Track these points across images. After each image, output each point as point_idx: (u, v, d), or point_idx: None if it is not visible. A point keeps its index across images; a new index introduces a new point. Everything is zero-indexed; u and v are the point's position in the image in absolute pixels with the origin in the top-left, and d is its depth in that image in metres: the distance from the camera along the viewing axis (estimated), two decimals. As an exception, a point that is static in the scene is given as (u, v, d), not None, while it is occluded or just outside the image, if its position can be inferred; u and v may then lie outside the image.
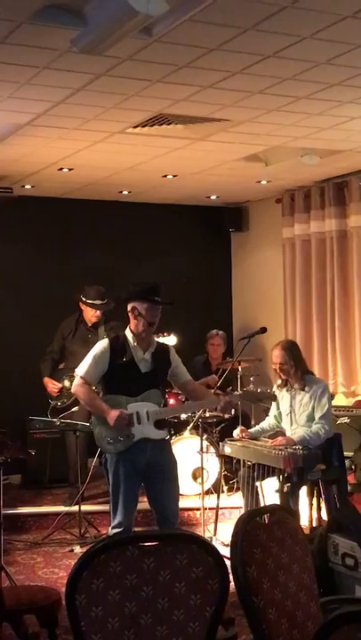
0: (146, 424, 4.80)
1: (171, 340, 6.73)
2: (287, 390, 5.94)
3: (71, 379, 7.20)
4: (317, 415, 5.75)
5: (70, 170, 7.28)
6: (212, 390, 6.59)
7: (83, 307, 7.33)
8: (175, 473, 4.98)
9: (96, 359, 4.87)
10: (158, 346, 5.00)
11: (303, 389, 5.84)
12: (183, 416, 7.19)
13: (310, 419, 5.79)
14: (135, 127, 5.91)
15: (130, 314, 4.88)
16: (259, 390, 5.91)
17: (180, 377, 5.05)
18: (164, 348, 5.03)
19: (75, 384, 5.00)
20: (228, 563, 2.58)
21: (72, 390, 5.16)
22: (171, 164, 7.17)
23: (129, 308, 4.89)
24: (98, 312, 7.27)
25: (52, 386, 7.26)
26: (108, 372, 4.87)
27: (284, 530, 2.82)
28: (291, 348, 5.95)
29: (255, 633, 2.58)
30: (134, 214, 8.98)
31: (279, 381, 6.01)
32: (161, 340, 6.35)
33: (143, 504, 5.04)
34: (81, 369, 4.93)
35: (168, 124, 5.88)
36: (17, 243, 8.47)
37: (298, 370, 5.87)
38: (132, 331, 4.90)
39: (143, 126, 5.89)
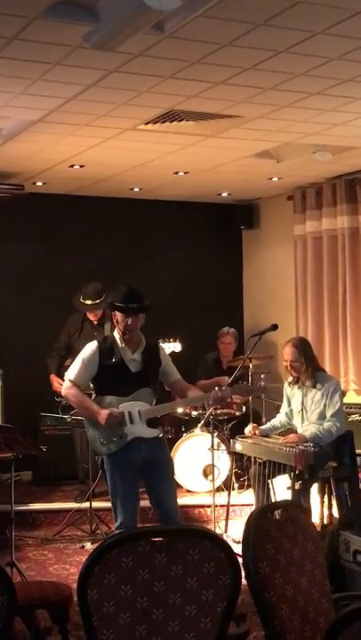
0: (138, 423, 4.81)
1: (176, 346, 6.72)
2: (299, 387, 5.93)
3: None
4: (329, 412, 5.74)
5: (81, 167, 7.28)
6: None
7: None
8: (171, 469, 5.06)
9: (85, 362, 4.92)
10: (148, 344, 4.99)
11: (315, 387, 5.83)
12: (186, 411, 7.19)
13: (322, 416, 5.78)
14: (147, 124, 5.90)
15: (113, 319, 4.98)
16: (249, 384, 5.91)
17: (169, 376, 5.06)
18: (153, 347, 5.04)
19: (64, 387, 5.04)
20: (238, 560, 2.58)
21: (62, 393, 5.19)
22: (182, 160, 7.16)
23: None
24: (93, 313, 7.24)
25: (58, 384, 7.26)
26: (98, 374, 4.91)
27: (296, 526, 2.81)
28: (302, 346, 5.93)
29: (267, 629, 2.57)
30: (145, 211, 8.97)
31: (290, 378, 6.01)
32: (166, 345, 6.37)
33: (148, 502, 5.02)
34: (71, 372, 4.99)
35: (179, 121, 5.87)
36: (28, 240, 8.48)
37: (309, 367, 5.85)
38: (120, 334, 4.93)
39: (155, 123, 5.88)
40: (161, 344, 5.39)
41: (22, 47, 4.35)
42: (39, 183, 7.95)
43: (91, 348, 4.96)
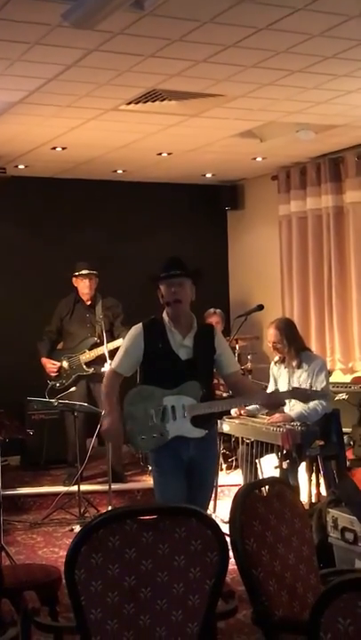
0: (181, 420, 4.23)
1: None
2: (285, 367, 5.94)
3: (70, 359, 7.21)
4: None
5: (64, 149, 7.23)
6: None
7: (75, 283, 7.30)
8: (211, 476, 4.50)
9: (128, 348, 4.37)
10: (201, 328, 4.40)
11: (300, 367, 5.84)
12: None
13: (308, 396, 5.78)
14: (128, 104, 5.86)
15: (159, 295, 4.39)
16: (309, 391, 5.43)
17: (223, 367, 4.42)
18: (207, 332, 4.43)
19: (105, 375, 4.61)
20: (227, 540, 2.58)
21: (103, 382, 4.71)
22: (165, 141, 7.12)
23: None
24: (88, 282, 7.21)
25: (51, 366, 7.23)
26: (144, 361, 4.33)
27: (283, 502, 2.82)
28: (285, 327, 5.93)
29: (255, 605, 2.58)
30: (129, 193, 8.93)
31: (277, 358, 6.02)
32: None
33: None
34: (114, 361, 4.48)
35: (162, 101, 5.83)
36: (11, 223, 8.42)
37: (292, 348, 5.87)
38: (167, 314, 4.36)
39: (136, 103, 5.84)
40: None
41: (0, 27, 4.29)
42: (21, 166, 7.89)
43: (134, 330, 4.37)
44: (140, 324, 4.37)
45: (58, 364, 7.21)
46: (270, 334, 5.93)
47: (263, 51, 4.84)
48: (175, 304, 4.26)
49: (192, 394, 4.26)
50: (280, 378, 5.99)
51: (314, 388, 5.73)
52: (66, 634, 3.07)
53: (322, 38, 4.67)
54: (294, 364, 5.86)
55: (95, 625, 2.42)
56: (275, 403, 4.53)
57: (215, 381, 6.78)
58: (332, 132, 6.96)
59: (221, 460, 6.79)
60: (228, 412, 5.90)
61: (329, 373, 7.43)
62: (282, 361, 5.97)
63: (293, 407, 5.80)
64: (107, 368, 5.92)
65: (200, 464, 4.29)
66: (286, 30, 4.52)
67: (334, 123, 6.68)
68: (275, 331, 5.90)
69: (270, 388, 6.09)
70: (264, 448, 5.61)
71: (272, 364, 6.13)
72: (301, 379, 5.82)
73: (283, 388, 5.94)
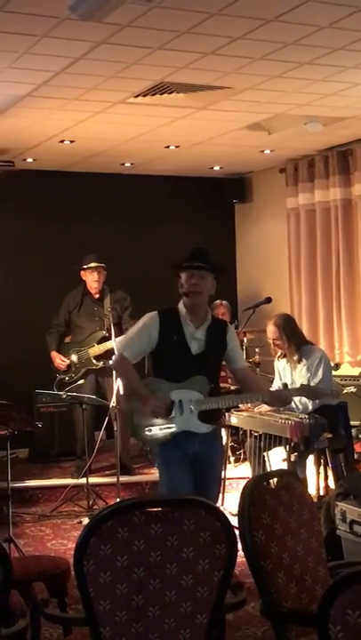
0: (188, 415, 4.18)
1: None
2: (287, 362, 5.94)
3: (78, 353, 7.21)
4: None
5: (72, 142, 7.23)
6: None
7: (84, 276, 7.29)
8: (219, 470, 4.46)
9: (140, 333, 4.27)
10: (214, 322, 4.36)
11: (300, 361, 5.83)
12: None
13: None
14: (136, 97, 5.85)
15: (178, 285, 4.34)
16: (318, 389, 5.17)
17: (232, 362, 4.41)
18: (220, 326, 4.39)
19: (114, 360, 4.49)
20: (236, 533, 2.58)
21: (112, 366, 4.70)
22: (173, 134, 7.10)
23: None
24: (97, 275, 7.20)
25: (60, 361, 7.22)
26: (156, 351, 4.26)
27: (292, 495, 2.82)
28: (283, 324, 5.90)
29: (264, 597, 2.59)
30: (137, 187, 8.92)
31: (279, 352, 6.02)
32: None
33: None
34: (121, 344, 4.43)
35: (169, 93, 5.82)
36: (19, 216, 8.42)
37: (292, 344, 5.85)
38: (184, 304, 4.30)
39: (145, 95, 5.83)
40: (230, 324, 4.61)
41: (8, 19, 4.30)
42: (30, 160, 7.89)
43: (149, 316, 4.28)
44: (156, 313, 4.27)
45: (67, 360, 7.19)
46: (269, 331, 5.93)
47: (271, 43, 4.83)
48: (194, 295, 4.22)
49: (199, 388, 4.21)
50: (283, 372, 6.00)
51: (312, 383, 5.70)
52: (75, 625, 3.08)
53: (331, 30, 4.65)
54: (295, 358, 5.85)
55: (104, 616, 2.43)
56: (280, 400, 4.48)
57: (223, 374, 6.84)
58: (340, 124, 6.93)
59: (229, 452, 6.79)
60: (235, 406, 5.92)
61: (337, 366, 7.44)
62: (283, 356, 5.98)
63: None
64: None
65: (206, 459, 4.23)
66: (295, 22, 4.50)
67: (343, 115, 6.65)
68: (273, 327, 5.89)
69: (275, 383, 6.09)
70: (272, 441, 5.61)
71: (276, 358, 6.13)
72: (302, 373, 5.81)
73: (287, 382, 5.94)
